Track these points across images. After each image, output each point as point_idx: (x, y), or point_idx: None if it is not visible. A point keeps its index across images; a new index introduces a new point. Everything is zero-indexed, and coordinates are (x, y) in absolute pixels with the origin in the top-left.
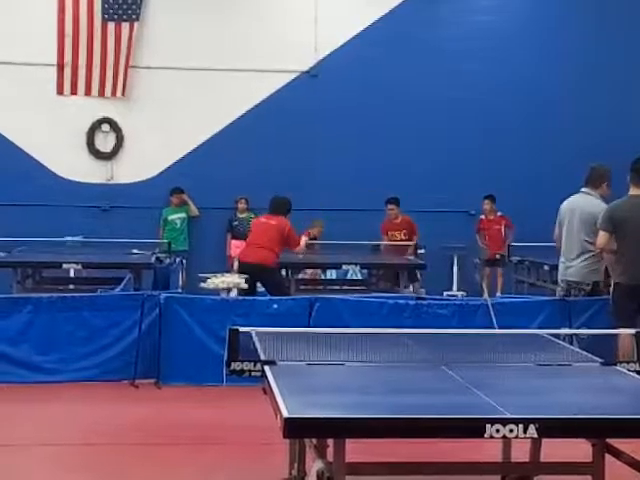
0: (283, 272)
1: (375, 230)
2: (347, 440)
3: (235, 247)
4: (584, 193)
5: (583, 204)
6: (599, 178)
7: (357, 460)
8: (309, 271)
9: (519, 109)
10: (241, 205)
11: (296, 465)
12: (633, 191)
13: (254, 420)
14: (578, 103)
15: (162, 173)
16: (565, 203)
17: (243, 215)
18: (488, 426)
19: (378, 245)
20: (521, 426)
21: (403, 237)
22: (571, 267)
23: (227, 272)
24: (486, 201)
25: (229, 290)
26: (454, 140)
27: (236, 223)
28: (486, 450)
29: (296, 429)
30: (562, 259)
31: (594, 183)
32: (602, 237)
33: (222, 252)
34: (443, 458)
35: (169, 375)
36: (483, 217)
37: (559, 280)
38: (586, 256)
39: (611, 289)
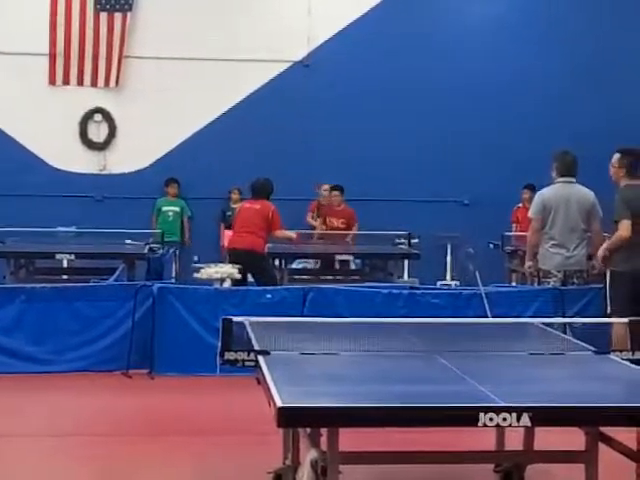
0: (276, 262)
1: (369, 219)
2: (341, 429)
3: (229, 237)
4: (570, 183)
5: (577, 193)
6: (577, 167)
7: (351, 449)
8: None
9: (517, 98)
10: (234, 196)
11: (290, 454)
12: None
13: (248, 410)
14: (579, 95)
15: (155, 163)
16: (551, 194)
17: (236, 205)
18: (482, 415)
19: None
20: (514, 415)
21: (340, 225)
22: (572, 256)
23: (221, 262)
24: (525, 190)
25: (223, 280)
26: (449, 129)
27: (229, 213)
28: (480, 439)
29: (290, 418)
30: (557, 250)
31: (575, 172)
32: (627, 225)
33: (215, 242)
34: (437, 447)
35: (162, 365)
36: (521, 205)
37: (552, 271)
38: (583, 244)
39: (608, 277)
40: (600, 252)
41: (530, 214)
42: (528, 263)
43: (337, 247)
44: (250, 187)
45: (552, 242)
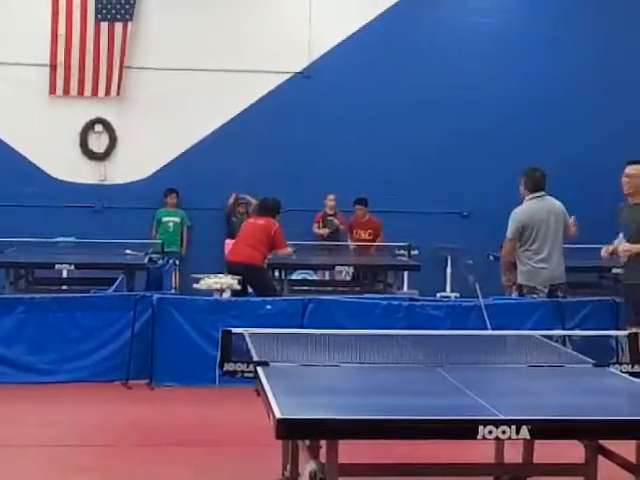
0: (276, 273)
1: None
2: (340, 441)
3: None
4: (542, 197)
5: (552, 206)
6: (545, 181)
7: (350, 461)
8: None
9: (514, 110)
10: (241, 209)
11: (289, 466)
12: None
13: (247, 421)
14: (577, 103)
15: (155, 174)
16: (527, 212)
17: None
18: (481, 427)
19: (374, 246)
20: (514, 427)
21: (367, 237)
22: (556, 270)
23: (220, 273)
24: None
25: (222, 291)
26: (448, 141)
27: (234, 219)
28: (479, 451)
29: (289, 430)
30: (543, 265)
31: (543, 186)
32: None
33: (216, 253)
34: (436, 459)
35: (162, 376)
36: None
37: (537, 286)
38: (561, 257)
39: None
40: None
41: (508, 234)
42: (504, 277)
43: (337, 258)
44: (258, 205)
45: (537, 258)
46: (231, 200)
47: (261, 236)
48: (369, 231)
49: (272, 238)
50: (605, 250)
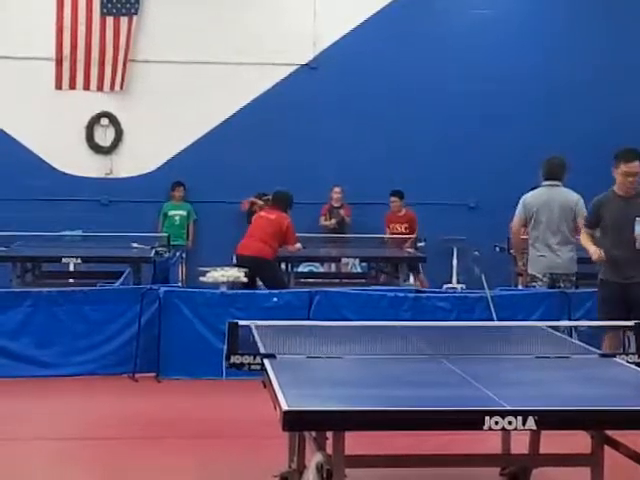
0: (283, 266)
1: (376, 222)
2: (346, 433)
3: None
4: (553, 186)
5: (559, 196)
6: (565, 170)
7: (356, 453)
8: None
9: (520, 101)
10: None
11: (295, 458)
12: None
13: (253, 413)
14: (580, 94)
15: (161, 167)
16: (533, 197)
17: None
18: (487, 418)
19: (382, 237)
20: (520, 418)
21: (404, 230)
22: (559, 260)
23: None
24: None
25: (233, 284)
26: (454, 132)
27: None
28: (486, 442)
29: (295, 422)
30: (542, 253)
31: (561, 175)
32: None
33: (223, 246)
34: (443, 450)
35: (169, 369)
36: None
37: (536, 274)
38: (569, 247)
39: None
40: None
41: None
42: (519, 263)
43: (343, 250)
44: (271, 198)
45: (536, 245)
46: (251, 199)
47: (272, 230)
48: (405, 225)
49: (284, 233)
50: (598, 256)
